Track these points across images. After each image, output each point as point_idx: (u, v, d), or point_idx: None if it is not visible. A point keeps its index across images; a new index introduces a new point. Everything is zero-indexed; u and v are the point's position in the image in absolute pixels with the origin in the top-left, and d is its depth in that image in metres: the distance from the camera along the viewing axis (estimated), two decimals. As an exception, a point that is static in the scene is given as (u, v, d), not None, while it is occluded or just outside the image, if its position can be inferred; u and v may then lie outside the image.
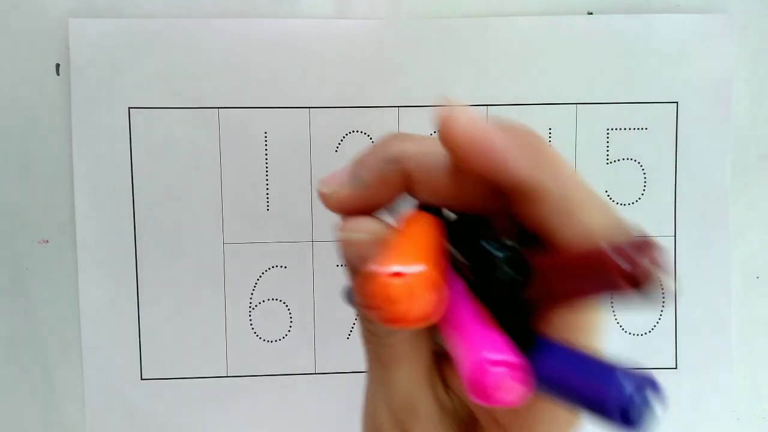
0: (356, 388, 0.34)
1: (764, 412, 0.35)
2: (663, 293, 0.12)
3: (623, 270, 0.11)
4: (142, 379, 0.33)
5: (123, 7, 0.32)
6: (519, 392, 0.12)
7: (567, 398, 0.13)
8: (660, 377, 0.37)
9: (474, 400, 0.12)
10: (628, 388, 0.12)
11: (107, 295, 0.32)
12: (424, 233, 0.14)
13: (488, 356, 0.12)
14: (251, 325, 0.33)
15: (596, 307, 0.16)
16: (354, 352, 0.33)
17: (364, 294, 0.12)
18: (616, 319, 0.34)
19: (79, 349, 0.33)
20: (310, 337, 0.33)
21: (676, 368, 0.34)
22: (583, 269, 0.12)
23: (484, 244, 0.13)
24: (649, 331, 0.34)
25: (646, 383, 0.12)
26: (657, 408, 0.12)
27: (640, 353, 0.34)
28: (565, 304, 0.15)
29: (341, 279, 0.33)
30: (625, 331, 0.34)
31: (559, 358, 0.14)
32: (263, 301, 0.33)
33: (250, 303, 0.33)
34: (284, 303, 0.33)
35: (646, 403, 0.12)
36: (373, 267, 0.12)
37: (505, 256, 0.13)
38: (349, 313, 0.33)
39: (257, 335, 0.33)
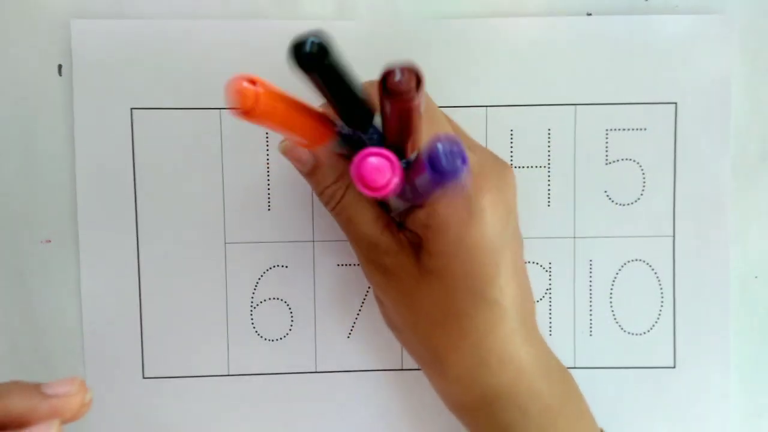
0: (357, 386, 0.34)
1: (762, 411, 0.35)
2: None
3: (384, 81, 0.19)
4: (144, 377, 0.33)
5: (125, 8, 0.32)
6: (390, 175, 0.18)
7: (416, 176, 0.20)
8: (659, 376, 0.36)
9: (360, 189, 0.18)
10: (441, 149, 0.18)
11: (109, 295, 0.33)
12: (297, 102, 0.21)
13: (367, 151, 0.18)
14: (252, 324, 0.33)
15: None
16: (355, 351, 0.34)
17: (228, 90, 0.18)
18: (615, 319, 0.34)
19: (81, 349, 0.33)
20: (311, 336, 0.34)
21: (674, 367, 0.34)
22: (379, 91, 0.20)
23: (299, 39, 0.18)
24: (648, 331, 0.34)
25: (453, 144, 0.18)
26: (461, 161, 0.18)
27: (639, 352, 0.34)
28: (396, 117, 0.22)
29: (342, 279, 0.33)
30: (624, 331, 0.34)
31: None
32: (264, 301, 0.33)
33: (252, 302, 0.33)
34: (285, 302, 0.33)
35: (453, 158, 0.18)
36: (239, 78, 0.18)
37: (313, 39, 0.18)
38: (350, 313, 0.33)
39: (258, 334, 0.33)
